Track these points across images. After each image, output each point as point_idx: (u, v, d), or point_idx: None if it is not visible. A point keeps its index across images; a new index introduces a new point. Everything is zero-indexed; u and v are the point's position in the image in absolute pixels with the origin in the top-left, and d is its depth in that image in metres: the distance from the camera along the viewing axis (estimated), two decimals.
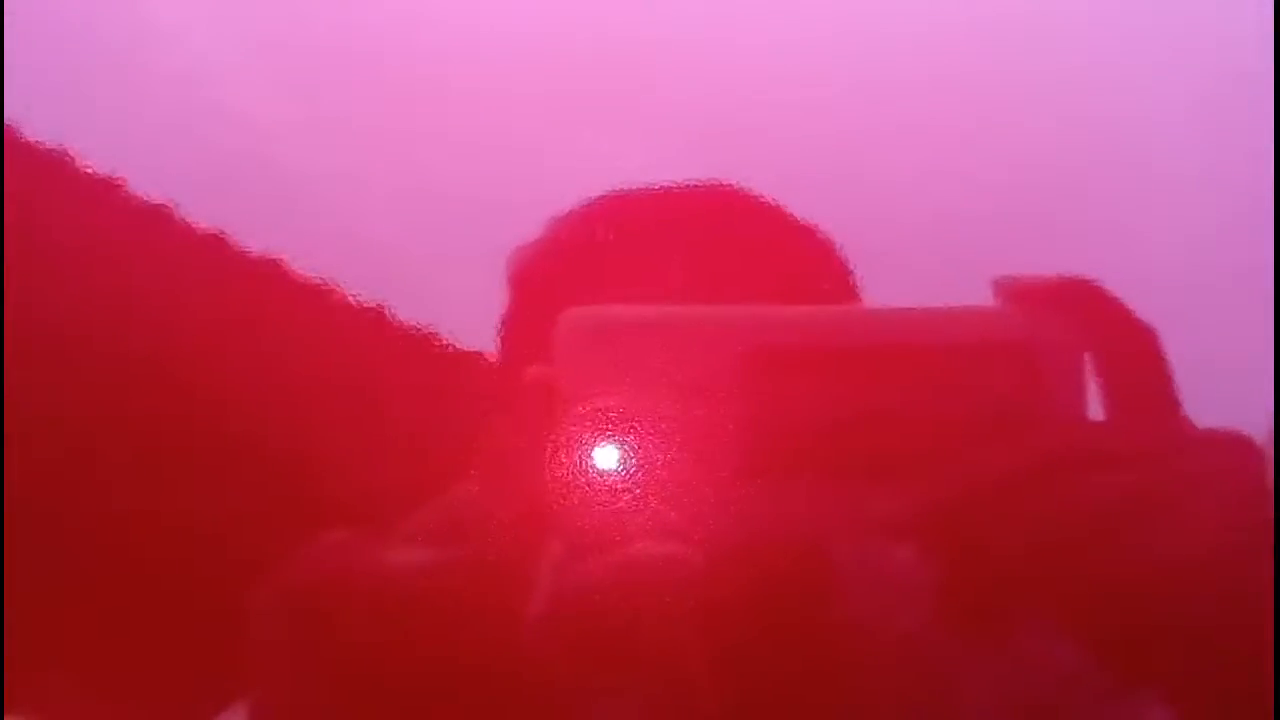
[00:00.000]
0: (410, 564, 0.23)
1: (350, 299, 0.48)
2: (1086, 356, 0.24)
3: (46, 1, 0.57)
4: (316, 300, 0.51)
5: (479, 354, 0.39)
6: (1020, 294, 0.24)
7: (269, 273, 0.53)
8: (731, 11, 0.51)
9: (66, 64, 0.58)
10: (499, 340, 0.31)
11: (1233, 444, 0.24)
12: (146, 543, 0.54)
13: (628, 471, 0.22)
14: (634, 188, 0.34)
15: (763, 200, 0.34)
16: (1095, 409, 0.25)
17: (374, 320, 0.49)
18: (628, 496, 0.22)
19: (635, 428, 0.22)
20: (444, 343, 0.43)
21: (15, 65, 0.55)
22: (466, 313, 0.42)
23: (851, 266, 0.35)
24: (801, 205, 0.35)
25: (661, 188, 0.34)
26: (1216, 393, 0.26)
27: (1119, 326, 0.24)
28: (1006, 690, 0.28)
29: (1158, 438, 0.24)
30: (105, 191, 0.57)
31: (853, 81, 0.48)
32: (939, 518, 0.24)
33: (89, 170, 0.58)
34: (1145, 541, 0.24)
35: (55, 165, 0.58)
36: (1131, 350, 0.24)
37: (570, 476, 0.22)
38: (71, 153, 0.58)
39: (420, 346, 0.46)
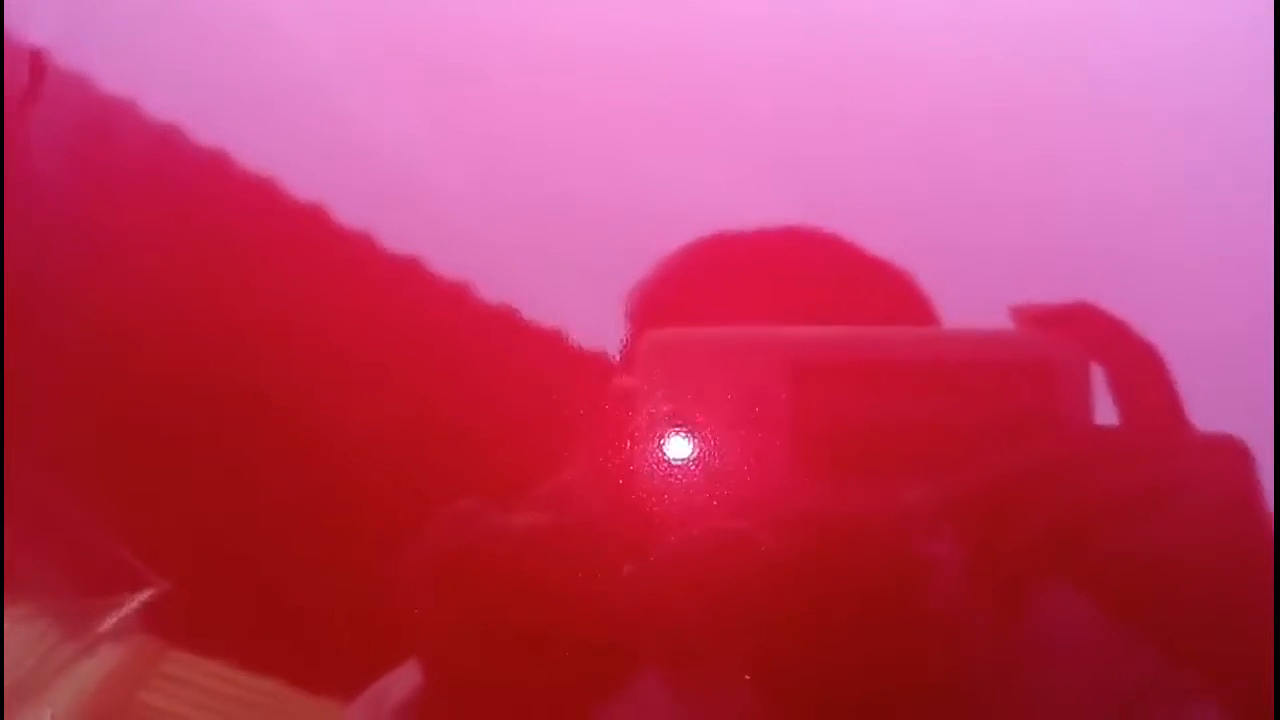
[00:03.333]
0: (532, 525, 0.29)
1: (483, 301, 0.54)
2: (1095, 370, 0.29)
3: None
4: (453, 301, 0.57)
5: (599, 354, 0.44)
6: (1036, 317, 0.29)
7: (410, 273, 0.59)
8: (837, 52, 0.55)
9: (188, 61, 0.65)
10: (619, 358, 0.37)
11: (1226, 447, 0.29)
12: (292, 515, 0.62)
13: (692, 463, 0.28)
14: (732, 229, 0.40)
15: (842, 240, 0.40)
16: (1104, 417, 0.29)
17: (504, 321, 0.55)
18: (692, 483, 0.28)
19: (699, 428, 0.28)
20: (566, 345, 0.49)
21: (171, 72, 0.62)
22: (585, 319, 0.48)
23: (924, 298, 0.40)
24: (884, 235, 0.40)
25: (756, 230, 0.40)
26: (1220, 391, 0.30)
27: (1123, 343, 0.28)
28: (1022, 653, 0.33)
29: (1158, 442, 0.28)
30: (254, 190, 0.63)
31: (937, 117, 0.52)
32: (965, 509, 0.29)
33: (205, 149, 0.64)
34: (1144, 532, 0.28)
35: (213, 164, 0.65)
36: (1135, 364, 0.28)
37: (648, 466, 0.28)
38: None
39: (541, 347, 0.52)
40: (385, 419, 0.68)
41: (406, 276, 0.62)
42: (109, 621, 0.77)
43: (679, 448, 0.28)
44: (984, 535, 0.29)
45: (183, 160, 0.72)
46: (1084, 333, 0.29)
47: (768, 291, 0.35)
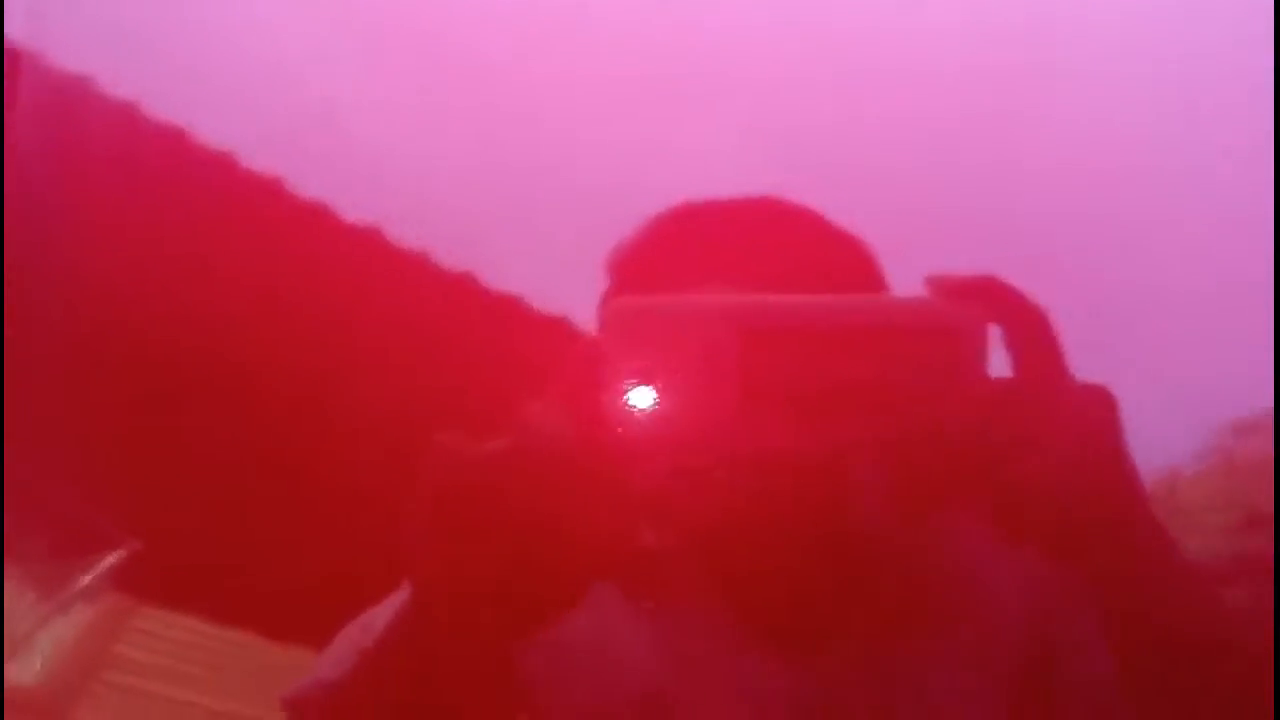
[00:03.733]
0: (501, 447, 0.35)
1: (444, 266, 0.59)
2: (991, 329, 0.36)
3: None
4: (414, 266, 0.62)
5: (561, 319, 0.50)
6: (947, 288, 0.36)
7: (374, 241, 0.64)
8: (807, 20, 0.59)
9: (152, 38, 0.65)
10: (598, 311, 0.43)
11: (1098, 395, 0.35)
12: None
13: (653, 409, 0.35)
14: (702, 199, 0.46)
15: (807, 211, 0.45)
16: (998, 368, 0.37)
17: (466, 285, 0.60)
18: (649, 426, 0.35)
19: (660, 380, 0.35)
20: (528, 308, 0.54)
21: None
22: (550, 281, 0.54)
23: (875, 263, 0.45)
24: (847, 200, 0.45)
25: (726, 200, 0.46)
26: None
27: (1018, 309, 0.34)
28: (933, 566, 0.43)
29: (1043, 390, 0.34)
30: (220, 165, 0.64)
31: (910, 90, 0.57)
32: (887, 448, 0.38)
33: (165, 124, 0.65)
34: (1030, 463, 0.36)
35: (173, 139, 0.66)
36: (1027, 326, 0.34)
37: (613, 410, 0.34)
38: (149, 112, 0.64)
39: (507, 310, 0.58)
40: (350, 382, 0.72)
41: (369, 244, 0.65)
42: (82, 581, 0.81)
43: (641, 396, 0.35)
44: (902, 469, 0.37)
45: (144, 137, 0.72)
46: (987, 300, 0.34)
47: (736, 257, 0.41)
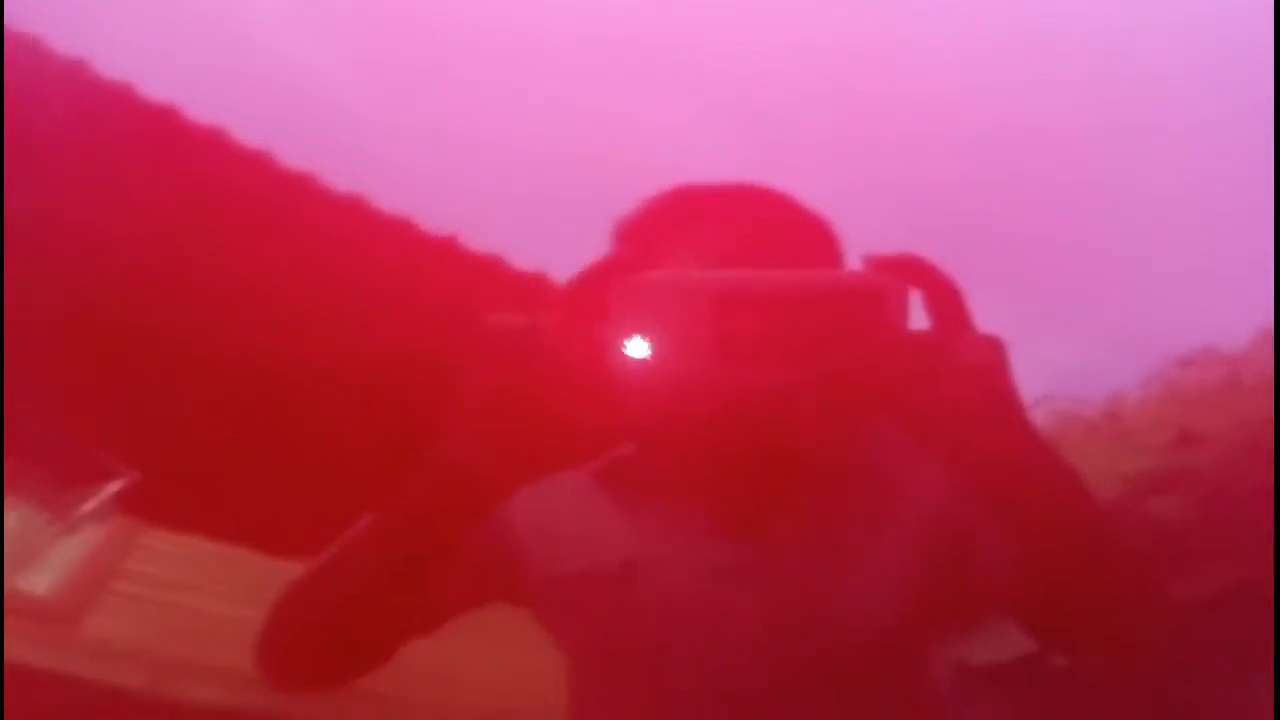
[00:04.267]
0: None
1: (428, 231, 0.63)
2: (912, 295, 0.43)
3: None
4: (398, 232, 0.66)
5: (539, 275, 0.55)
6: (879, 263, 0.43)
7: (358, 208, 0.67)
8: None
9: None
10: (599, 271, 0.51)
11: (992, 341, 0.45)
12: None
13: (640, 357, 0.43)
14: (689, 185, 0.54)
15: (781, 195, 0.53)
16: (918, 324, 0.45)
17: (449, 248, 0.64)
18: (641, 371, 0.43)
19: (649, 338, 0.43)
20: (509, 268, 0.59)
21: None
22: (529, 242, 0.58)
23: (835, 238, 0.54)
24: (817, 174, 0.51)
25: (714, 184, 0.54)
26: None
27: (933, 278, 0.43)
28: (860, 467, 0.52)
29: (951, 338, 0.44)
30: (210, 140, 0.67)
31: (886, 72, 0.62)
32: (826, 383, 0.44)
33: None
34: (939, 389, 0.44)
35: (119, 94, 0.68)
36: (940, 291, 0.43)
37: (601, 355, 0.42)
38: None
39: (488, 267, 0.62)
40: (335, 327, 0.76)
41: (354, 211, 0.68)
42: (87, 506, 0.85)
43: (635, 347, 0.43)
44: (837, 395, 0.44)
45: (92, 90, 0.73)
46: (909, 272, 0.44)
47: (717, 234, 0.50)
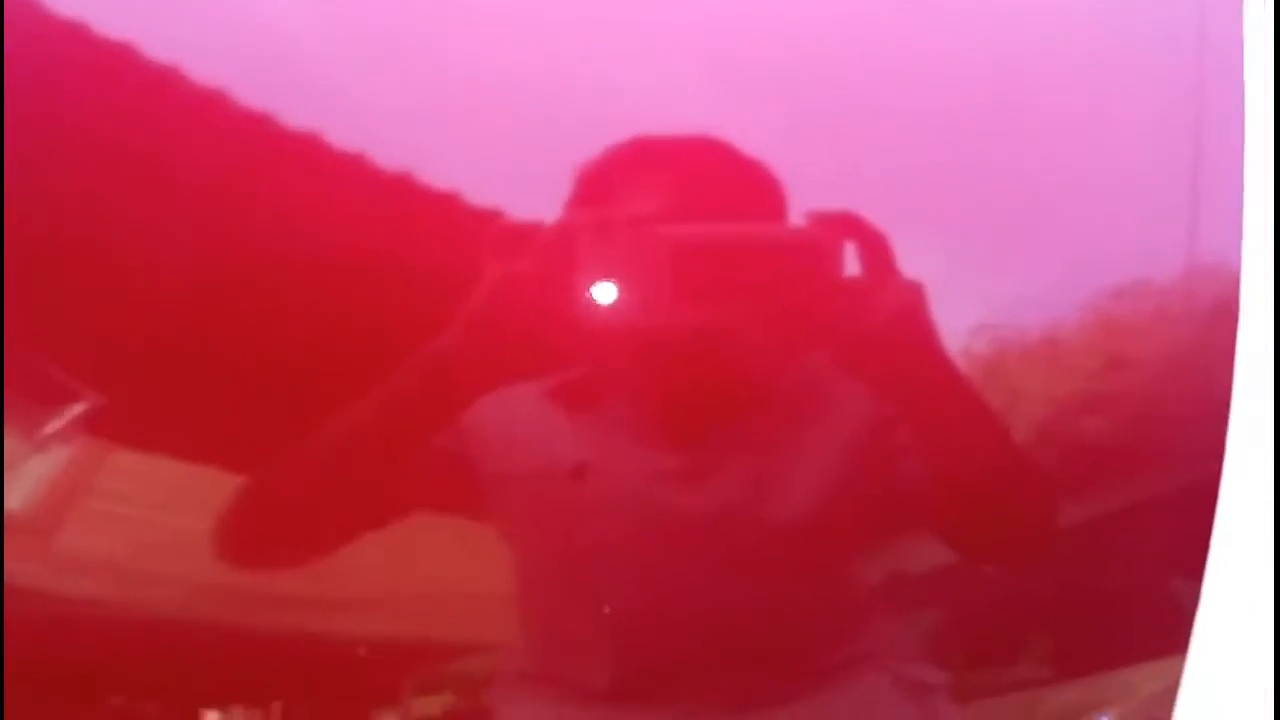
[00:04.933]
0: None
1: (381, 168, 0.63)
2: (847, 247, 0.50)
3: None
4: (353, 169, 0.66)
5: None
6: (818, 218, 0.50)
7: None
8: None
9: None
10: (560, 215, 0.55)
11: (913, 285, 0.53)
12: None
13: (608, 301, 0.49)
14: (646, 136, 0.61)
15: (729, 147, 0.58)
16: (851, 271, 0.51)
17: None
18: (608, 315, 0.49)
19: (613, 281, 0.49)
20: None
21: None
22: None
23: (782, 193, 0.59)
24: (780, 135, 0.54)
25: (667, 137, 0.60)
26: None
27: (866, 231, 0.50)
28: (789, 387, 0.61)
29: (879, 282, 0.51)
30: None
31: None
32: (773, 317, 0.50)
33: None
34: (856, 321, 0.51)
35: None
36: (871, 243, 0.50)
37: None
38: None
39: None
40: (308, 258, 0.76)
41: (308, 150, 0.68)
42: (50, 427, 0.86)
43: (600, 292, 0.49)
44: (777, 332, 0.50)
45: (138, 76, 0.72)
46: (845, 227, 0.54)
47: (674, 185, 0.56)
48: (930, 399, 0.58)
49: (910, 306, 0.56)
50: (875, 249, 0.55)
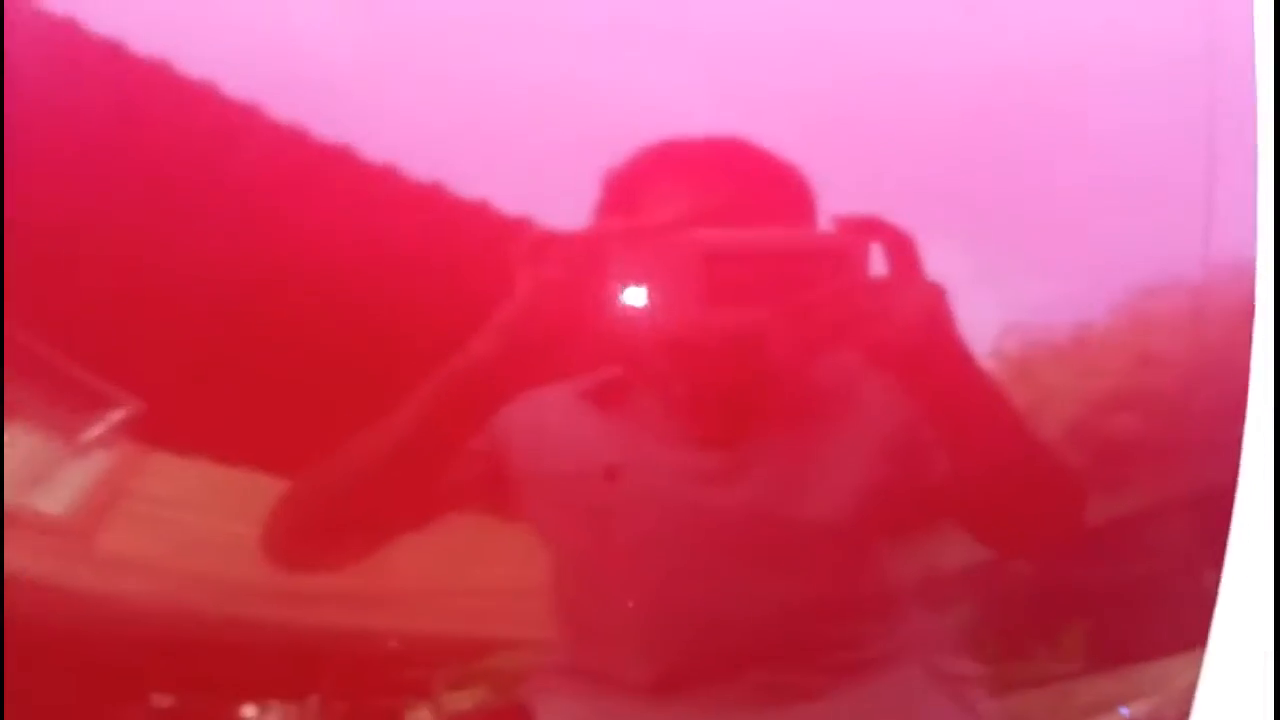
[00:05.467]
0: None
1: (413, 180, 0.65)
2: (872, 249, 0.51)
3: None
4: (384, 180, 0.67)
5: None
6: (846, 222, 0.51)
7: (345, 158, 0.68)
8: None
9: None
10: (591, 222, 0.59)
11: (934, 286, 0.54)
12: None
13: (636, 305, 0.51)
14: (675, 140, 0.62)
15: (758, 150, 0.59)
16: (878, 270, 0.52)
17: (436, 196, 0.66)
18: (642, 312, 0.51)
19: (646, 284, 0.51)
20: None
21: None
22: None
23: (811, 196, 0.60)
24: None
25: (695, 141, 0.62)
26: None
27: (892, 234, 0.51)
28: (820, 386, 0.62)
29: (905, 281, 0.56)
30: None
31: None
32: (794, 316, 0.51)
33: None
34: (882, 322, 0.51)
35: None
36: (897, 244, 0.51)
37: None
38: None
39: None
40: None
41: (341, 162, 0.69)
42: (92, 432, 0.88)
43: (632, 295, 0.51)
44: (807, 333, 0.56)
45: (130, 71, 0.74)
46: (871, 230, 0.55)
47: (704, 190, 0.57)
48: (954, 398, 0.58)
49: (932, 307, 0.57)
50: (900, 251, 0.56)
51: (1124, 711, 0.71)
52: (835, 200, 0.57)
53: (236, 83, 0.62)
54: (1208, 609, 0.67)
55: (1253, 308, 0.62)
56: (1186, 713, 0.64)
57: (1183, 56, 0.63)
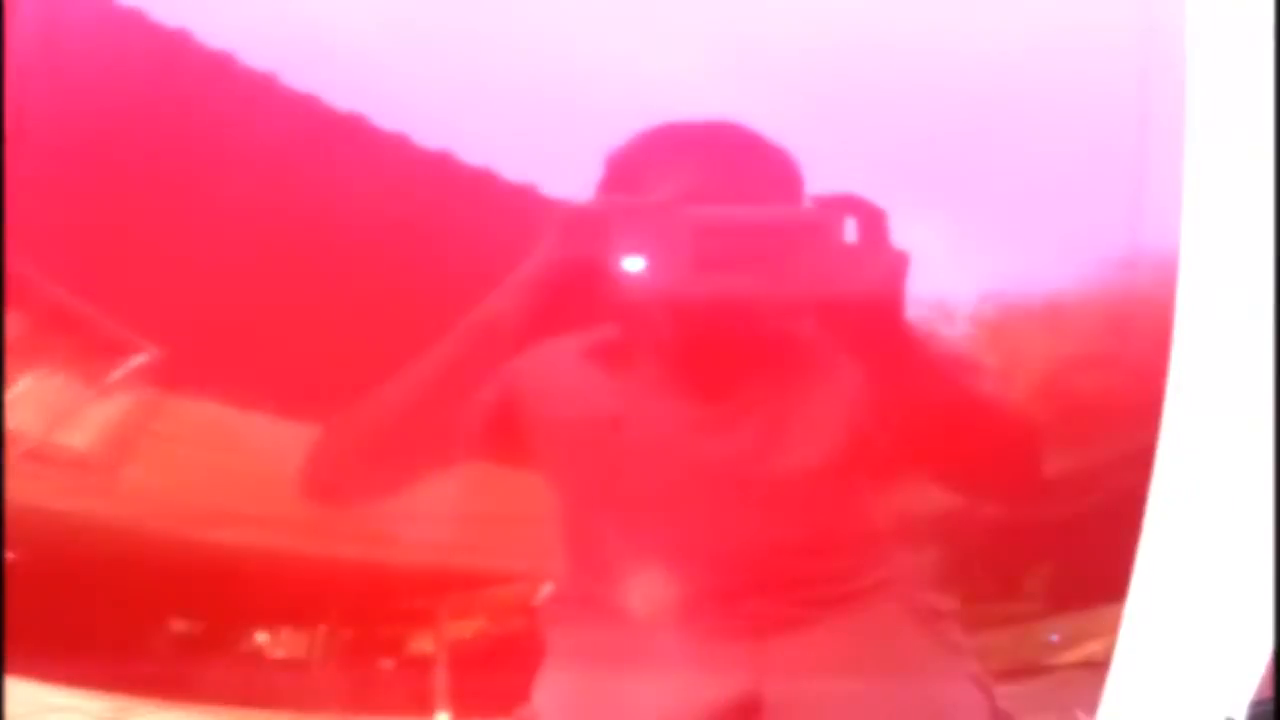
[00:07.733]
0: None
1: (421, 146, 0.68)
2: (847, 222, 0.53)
3: None
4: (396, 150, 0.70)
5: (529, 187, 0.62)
6: (823, 200, 0.54)
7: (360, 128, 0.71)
8: None
9: None
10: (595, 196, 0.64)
11: (900, 253, 0.59)
12: None
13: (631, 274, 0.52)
14: (674, 121, 0.66)
15: (750, 132, 0.65)
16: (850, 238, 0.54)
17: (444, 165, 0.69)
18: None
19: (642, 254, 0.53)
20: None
21: None
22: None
23: (798, 175, 0.65)
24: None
25: (691, 122, 0.66)
26: None
27: (865, 209, 0.53)
28: (793, 344, 0.67)
29: (874, 249, 0.60)
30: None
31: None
32: (774, 281, 0.55)
33: None
34: (851, 281, 0.59)
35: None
36: (869, 218, 0.53)
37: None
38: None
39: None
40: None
41: (355, 132, 0.71)
42: (115, 375, 0.92)
43: (629, 264, 0.54)
44: (788, 298, 0.60)
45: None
46: (848, 206, 0.59)
47: (697, 168, 0.63)
48: (918, 358, 0.62)
49: (897, 271, 0.60)
50: (871, 223, 0.60)
51: (1053, 638, 0.77)
52: (824, 179, 0.61)
53: (254, 54, 0.64)
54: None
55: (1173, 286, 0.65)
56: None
57: (1115, 56, 0.67)
